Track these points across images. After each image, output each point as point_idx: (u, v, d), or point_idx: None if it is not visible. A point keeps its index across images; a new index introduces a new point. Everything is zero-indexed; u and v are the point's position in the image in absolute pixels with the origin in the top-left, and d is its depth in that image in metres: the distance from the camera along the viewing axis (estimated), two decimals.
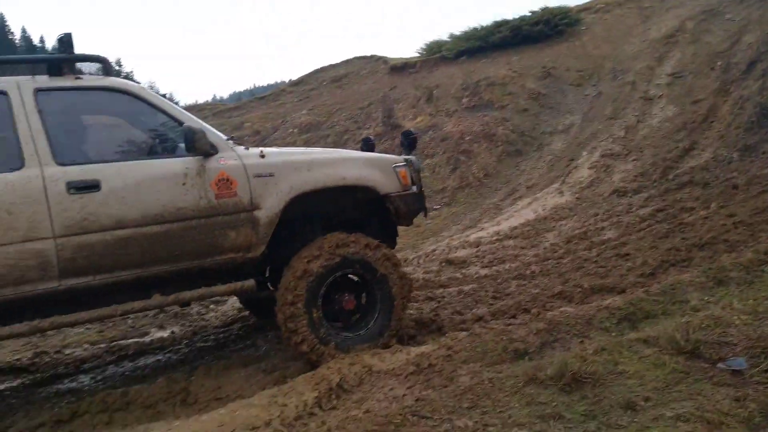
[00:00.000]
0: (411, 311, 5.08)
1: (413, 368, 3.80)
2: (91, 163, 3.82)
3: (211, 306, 6.62)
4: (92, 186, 3.69)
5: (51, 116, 3.77)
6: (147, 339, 5.67)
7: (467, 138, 13.43)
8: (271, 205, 4.14)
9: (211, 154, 4.01)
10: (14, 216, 3.49)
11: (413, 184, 4.79)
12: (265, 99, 20.49)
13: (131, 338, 5.70)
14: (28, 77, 3.88)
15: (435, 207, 11.43)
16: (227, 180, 4.04)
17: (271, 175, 4.18)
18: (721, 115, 11.26)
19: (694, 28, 15.30)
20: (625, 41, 16.14)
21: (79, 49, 4.10)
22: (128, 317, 6.22)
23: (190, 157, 3.97)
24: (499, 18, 17.75)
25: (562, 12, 17.09)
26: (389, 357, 4.12)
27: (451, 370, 3.71)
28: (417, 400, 3.36)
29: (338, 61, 21.05)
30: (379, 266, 4.36)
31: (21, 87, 3.76)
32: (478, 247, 7.82)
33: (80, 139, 4.09)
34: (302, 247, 4.29)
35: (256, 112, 18.75)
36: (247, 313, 6.02)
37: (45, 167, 3.62)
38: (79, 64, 4.12)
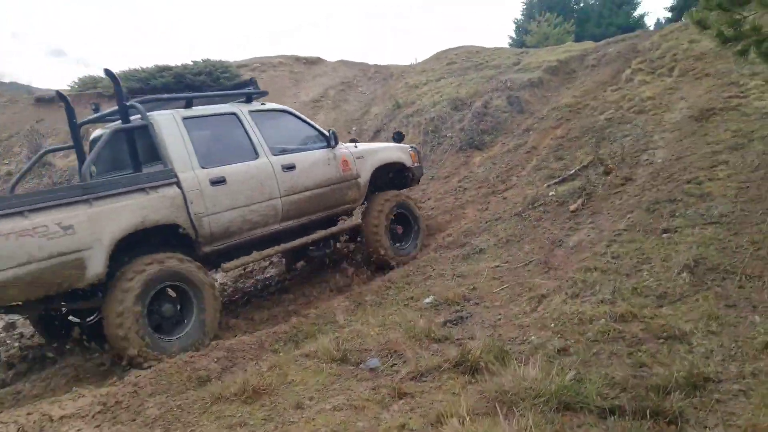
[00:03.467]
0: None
1: (99, 408, 3.90)
2: (287, 153, 6.37)
3: None
4: (292, 167, 6.30)
5: (260, 127, 6.25)
6: None
7: None
8: (365, 174, 7.16)
9: (333, 146, 6.85)
10: (264, 185, 5.97)
11: (419, 161, 8.13)
12: None
13: None
14: (239, 103, 6.35)
15: None
16: (346, 161, 6.94)
17: (362, 157, 7.19)
18: None
19: (335, 96, 17.97)
20: (279, 100, 17.90)
21: None
22: None
23: (326, 149, 6.79)
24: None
25: (224, 66, 18.13)
26: (71, 403, 4.09)
27: (138, 404, 3.94)
28: None
29: None
30: (413, 207, 7.71)
31: (242, 110, 6.22)
32: None
33: (276, 140, 6.37)
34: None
35: None
36: None
37: (270, 157, 6.14)
38: None
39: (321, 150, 6.70)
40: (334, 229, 6.95)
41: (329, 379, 4.07)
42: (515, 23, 39.57)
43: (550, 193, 7.73)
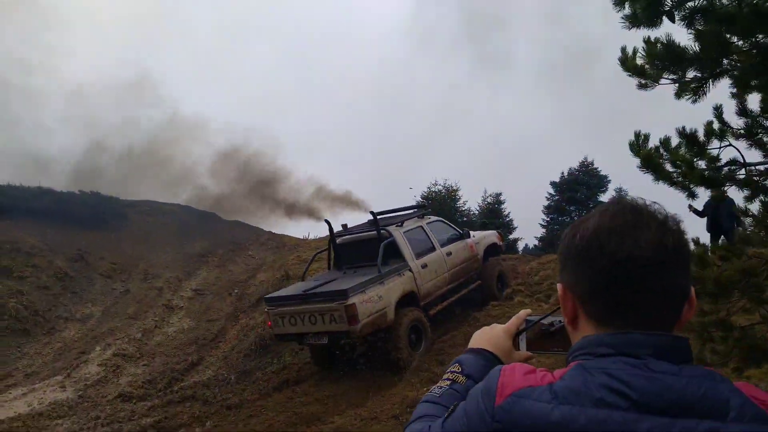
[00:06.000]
0: None
1: None
2: (446, 245, 10.50)
3: None
4: (450, 253, 10.45)
5: (433, 231, 10.50)
6: None
7: None
8: (480, 252, 11.26)
9: (466, 237, 11.02)
10: (441, 266, 10.20)
11: (502, 239, 12.63)
12: None
13: None
14: (419, 219, 10.58)
15: None
16: (471, 246, 11.08)
17: (478, 242, 11.31)
18: (228, 338, 12.75)
19: (223, 254, 17.51)
20: (162, 248, 17.20)
21: None
22: None
23: (462, 239, 10.93)
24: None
25: (111, 200, 17.39)
26: None
27: None
28: None
29: None
30: (505, 268, 11.93)
31: (423, 223, 10.43)
32: None
33: (439, 237, 10.50)
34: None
35: None
36: None
37: (440, 249, 10.35)
38: None
39: (460, 240, 10.91)
40: (467, 289, 10.76)
41: None
42: None
43: None
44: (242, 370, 10.84)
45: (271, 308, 8.96)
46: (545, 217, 40.49)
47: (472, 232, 11.66)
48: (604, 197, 38.96)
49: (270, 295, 9.46)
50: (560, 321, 1.32)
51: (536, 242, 40.15)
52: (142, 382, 10.07)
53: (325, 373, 9.55)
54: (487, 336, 1.39)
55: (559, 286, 1.12)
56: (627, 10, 3.22)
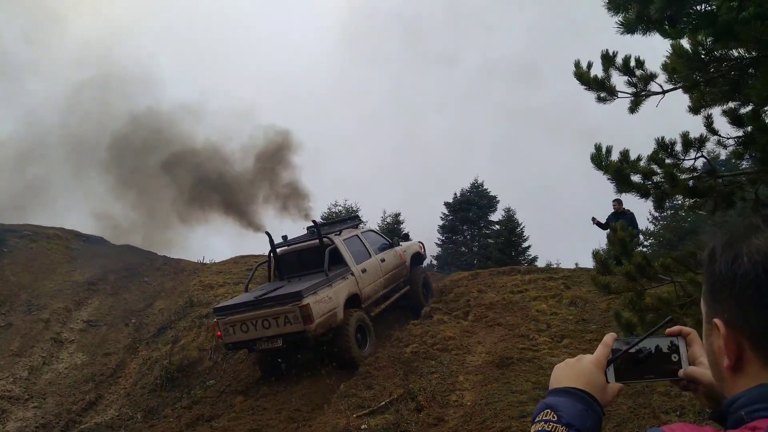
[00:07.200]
0: None
1: None
2: (379, 252, 11.77)
3: None
4: (384, 259, 11.68)
5: (367, 239, 11.73)
6: None
7: None
8: (407, 259, 12.57)
9: (395, 246, 12.56)
10: (377, 270, 11.21)
11: (423, 249, 13.99)
12: None
13: None
14: (354, 228, 12.06)
15: None
16: (400, 254, 12.46)
17: (405, 251, 12.72)
18: (129, 373, 11.80)
19: (116, 281, 16.26)
20: (48, 276, 15.72)
21: None
22: None
23: (392, 248, 12.32)
24: None
25: None
26: None
27: None
28: None
29: None
30: (428, 277, 13.46)
31: (358, 232, 11.83)
32: None
33: (373, 245, 11.79)
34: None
35: None
36: None
37: (375, 256, 11.47)
38: None
39: (391, 249, 12.10)
40: (399, 293, 11.80)
41: None
42: None
43: (363, 426, 7.34)
44: (148, 408, 10.09)
45: (221, 317, 9.24)
46: (441, 236, 41.62)
47: (399, 244, 13.06)
48: (494, 216, 40.67)
49: (219, 305, 9.92)
50: (649, 349, 1.23)
51: (432, 261, 41.08)
52: (35, 427, 9.09)
53: (244, 404, 9.08)
54: (576, 371, 1.16)
55: (717, 322, 0.93)
56: (619, 17, 3.28)
